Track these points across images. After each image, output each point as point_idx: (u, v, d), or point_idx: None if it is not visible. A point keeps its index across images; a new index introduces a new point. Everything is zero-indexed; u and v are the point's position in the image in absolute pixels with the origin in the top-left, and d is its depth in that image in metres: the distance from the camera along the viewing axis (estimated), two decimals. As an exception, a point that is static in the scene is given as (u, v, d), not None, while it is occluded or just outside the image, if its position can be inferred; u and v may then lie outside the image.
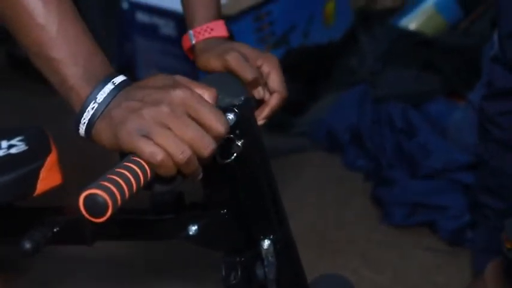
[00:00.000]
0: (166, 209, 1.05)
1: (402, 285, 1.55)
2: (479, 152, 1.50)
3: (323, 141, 2.12)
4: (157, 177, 0.81)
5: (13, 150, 1.14)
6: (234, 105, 0.91)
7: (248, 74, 1.03)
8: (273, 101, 1.08)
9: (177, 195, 1.04)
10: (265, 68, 1.08)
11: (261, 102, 1.10)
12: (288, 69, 2.36)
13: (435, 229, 1.69)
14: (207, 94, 0.78)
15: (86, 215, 0.74)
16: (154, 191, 0.85)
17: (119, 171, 0.76)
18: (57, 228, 1.09)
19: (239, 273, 0.96)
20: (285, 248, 1.00)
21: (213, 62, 1.07)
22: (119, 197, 0.74)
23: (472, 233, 1.59)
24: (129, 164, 0.78)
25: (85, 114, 0.77)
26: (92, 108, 0.77)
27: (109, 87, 0.78)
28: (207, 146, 0.75)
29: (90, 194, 0.73)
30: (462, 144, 1.73)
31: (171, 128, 0.74)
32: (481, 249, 1.49)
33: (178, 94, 0.75)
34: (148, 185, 0.83)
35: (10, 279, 1.37)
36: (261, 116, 1.08)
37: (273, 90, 1.08)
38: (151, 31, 2.35)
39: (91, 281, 1.54)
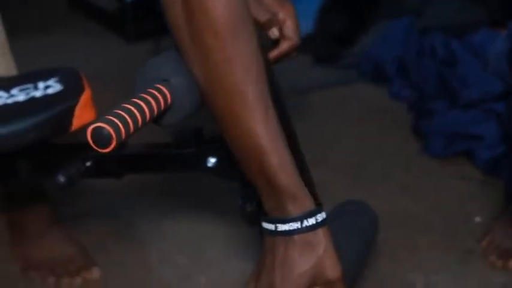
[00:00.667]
0: (187, 144, 1.11)
1: (436, 213, 1.58)
2: (509, 80, 1.51)
3: (370, 73, 2.16)
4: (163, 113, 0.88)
5: (49, 91, 1.22)
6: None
7: (260, 16, 1.10)
8: (283, 46, 1.15)
9: (196, 130, 1.10)
10: (281, 15, 1.15)
11: (277, 43, 1.16)
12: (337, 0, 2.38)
13: (472, 159, 1.71)
14: None
15: (94, 146, 0.81)
16: (162, 125, 0.92)
17: (126, 107, 0.83)
18: (90, 163, 1.17)
19: (255, 202, 1.01)
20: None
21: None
22: (123, 130, 0.81)
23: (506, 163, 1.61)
24: (137, 101, 0.85)
25: (292, 223, 0.89)
26: (300, 225, 0.89)
27: (314, 220, 0.90)
28: None
29: (97, 127, 0.80)
30: (501, 74, 1.74)
31: None
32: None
33: None
34: (156, 119, 0.90)
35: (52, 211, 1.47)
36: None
37: (286, 36, 1.14)
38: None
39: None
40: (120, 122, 0.81)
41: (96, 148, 0.81)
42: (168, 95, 0.90)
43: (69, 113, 1.14)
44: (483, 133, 1.68)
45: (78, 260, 1.43)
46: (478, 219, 1.56)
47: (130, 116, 0.82)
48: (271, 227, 0.91)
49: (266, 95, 0.88)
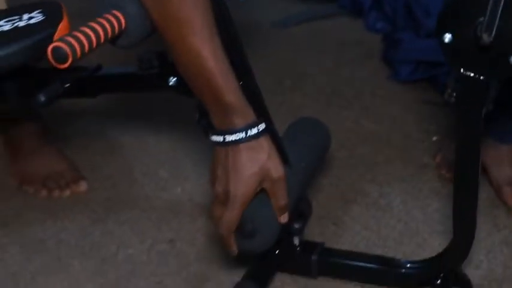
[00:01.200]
0: (151, 65, 1.25)
1: (397, 132, 1.72)
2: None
3: (349, 7, 2.29)
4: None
5: (32, 21, 1.36)
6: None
7: None
8: None
9: (159, 53, 1.24)
10: None
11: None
12: None
13: (435, 85, 1.85)
14: None
15: (53, 63, 0.96)
16: (117, 46, 1.06)
17: (82, 30, 0.98)
18: (68, 84, 1.31)
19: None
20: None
21: None
22: (78, 50, 0.95)
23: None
24: (93, 24, 0.99)
25: (238, 133, 1.02)
26: (244, 134, 1.03)
27: (256, 129, 1.03)
28: None
29: (55, 46, 0.95)
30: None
31: None
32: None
33: None
34: (112, 41, 1.04)
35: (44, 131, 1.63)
36: None
37: None
38: None
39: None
40: (76, 42, 0.96)
41: (55, 64, 0.96)
42: (123, 21, 1.04)
43: (49, 39, 1.27)
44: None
45: (67, 174, 1.59)
46: (435, 138, 1.71)
47: (86, 38, 0.97)
48: (220, 138, 1.05)
49: (212, 25, 1.01)
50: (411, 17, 1.97)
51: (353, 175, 1.59)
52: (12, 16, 1.38)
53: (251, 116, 1.05)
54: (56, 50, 0.95)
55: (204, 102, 1.05)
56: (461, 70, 1.05)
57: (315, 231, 1.40)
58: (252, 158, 1.04)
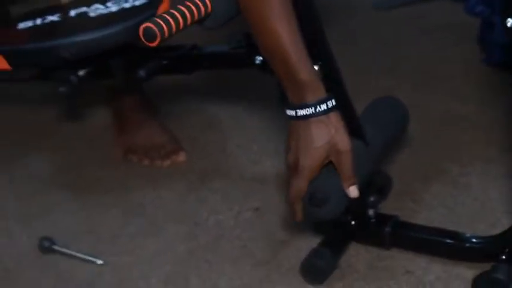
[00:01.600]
0: (239, 45, 1.37)
1: (484, 115, 1.76)
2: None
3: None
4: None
5: (136, 3, 1.51)
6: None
7: None
8: None
9: (246, 34, 1.35)
10: None
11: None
12: None
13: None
14: None
15: (143, 41, 1.07)
16: (204, 27, 1.17)
17: (171, 12, 1.09)
18: (166, 62, 1.45)
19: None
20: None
21: None
22: (166, 30, 1.07)
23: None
24: (181, 7, 1.11)
25: (307, 109, 1.11)
26: (314, 110, 1.11)
27: (325, 106, 1.11)
28: None
29: (146, 27, 1.07)
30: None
31: None
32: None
33: None
34: (199, 23, 1.15)
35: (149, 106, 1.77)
36: None
37: None
38: None
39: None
40: (164, 23, 1.07)
41: (145, 42, 1.08)
42: (209, 4, 1.15)
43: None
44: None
45: (168, 146, 1.72)
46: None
47: (173, 19, 1.08)
48: (292, 113, 1.13)
49: (289, 8, 1.09)
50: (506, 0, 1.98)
51: (436, 154, 1.64)
52: (119, -2, 1.54)
53: (322, 93, 1.12)
54: (146, 29, 1.06)
55: (280, 79, 1.13)
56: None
57: (394, 206, 1.47)
58: (321, 132, 1.12)
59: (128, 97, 1.76)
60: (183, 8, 1.11)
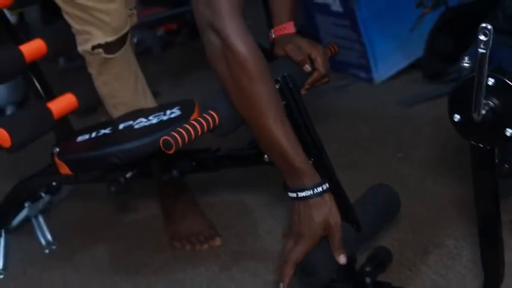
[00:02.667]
0: (253, 146, 1.66)
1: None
2: None
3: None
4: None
5: (172, 115, 1.83)
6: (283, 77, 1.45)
7: (296, 57, 1.60)
8: (314, 76, 1.63)
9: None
10: (313, 54, 1.62)
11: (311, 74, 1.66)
12: (446, 25, 2.80)
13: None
14: None
15: (163, 149, 1.38)
16: (215, 135, 1.47)
17: (185, 126, 1.40)
18: (194, 163, 1.76)
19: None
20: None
21: (280, 51, 1.65)
22: (180, 141, 1.38)
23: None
24: (193, 122, 1.42)
25: (306, 191, 1.37)
26: (312, 192, 1.37)
27: (321, 188, 1.37)
28: None
29: (164, 139, 1.37)
30: None
31: None
32: None
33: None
34: (211, 132, 1.46)
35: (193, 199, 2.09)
36: (305, 85, 1.64)
37: (316, 69, 1.63)
38: (325, 8, 2.98)
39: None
40: (179, 136, 1.38)
41: (163, 150, 1.38)
42: (217, 118, 1.45)
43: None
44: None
45: (206, 232, 2.02)
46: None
47: (186, 132, 1.39)
48: (293, 195, 1.40)
49: (282, 112, 1.38)
50: None
51: (432, 230, 1.89)
52: (158, 112, 1.87)
53: (317, 178, 1.39)
54: (164, 141, 1.37)
55: (280, 169, 1.40)
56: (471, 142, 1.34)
57: (392, 275, 1.71)
58: (318, 210, 1.38)
59: (173, 192, 2.08)
60: (195, 123, 1.41)
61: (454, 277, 1.71)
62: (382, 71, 2.99)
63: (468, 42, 2.75)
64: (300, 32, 1.71)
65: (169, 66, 3.69)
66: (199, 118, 1.44)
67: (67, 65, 3.62)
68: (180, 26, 3.91)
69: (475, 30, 1.25)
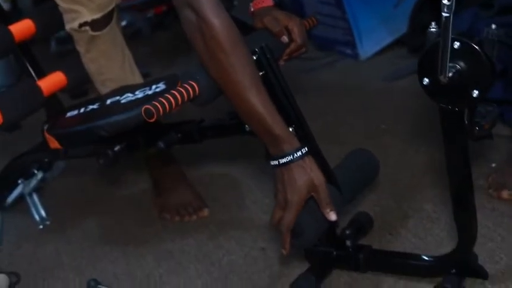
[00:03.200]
0: (234, 116, 1.72)
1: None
2: None
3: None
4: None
5: (157, 90, 1.87)
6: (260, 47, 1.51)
7: (273, 28, 1.66)
8: (292, 47, 1.69)
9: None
10: (290, 25, 1.68)
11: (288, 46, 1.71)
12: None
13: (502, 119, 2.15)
14: None
15: (144, 118, 1.43)
16: (195, 104, 1.53)
17: (166, 96, 1.45)
18: (180, 135, 1.82)
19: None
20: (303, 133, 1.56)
21: (259, 23, 1.71)
22: (161, 109, 1.43)
23: None
24: (174, 92, 1.47)
25: (287, 157, 1.42)
26: (292, 157, 1.43)
27: (300, 152, 1.43)
28: None
29: (145, 108, 1.43)
30: None
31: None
32: None
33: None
34: (191, 101, 1.52)
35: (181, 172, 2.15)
36: (283, 55, 1.69)
37: (294, 40, 1.69)
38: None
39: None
40: (160, 105, 1.43)
41: (145, 119, 1.44)
42: (196, 88, 1.51)
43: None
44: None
45: (195, 203, 2.08)
46: (494, 164, 2.03)
47: (167, 101, 1.44)
48: (275, 162, 1.45)
49: (258, 81, 1.43)
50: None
51: (412, 196, 1.95)
52: (144, 87, 1.92)
53: (296, 143, 1.44)
54: (145, 110, 1.43)
55: (261, 138, 1.46)
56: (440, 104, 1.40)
57: (373, 239, 1.77)
58: (300, 173, 1.43)
59: (161, 164, 2.14)
60: (175, 92, 1.47)
61: (433, 239, 1.77)
62: (367, 48, 3.04)
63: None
64: (279, 5, 1.77)
65: (159, 48, 3.75)
66: (179, 88, 1.50)
67: (58, 48, 3.66)
68: (169, 8, 3.95)
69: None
